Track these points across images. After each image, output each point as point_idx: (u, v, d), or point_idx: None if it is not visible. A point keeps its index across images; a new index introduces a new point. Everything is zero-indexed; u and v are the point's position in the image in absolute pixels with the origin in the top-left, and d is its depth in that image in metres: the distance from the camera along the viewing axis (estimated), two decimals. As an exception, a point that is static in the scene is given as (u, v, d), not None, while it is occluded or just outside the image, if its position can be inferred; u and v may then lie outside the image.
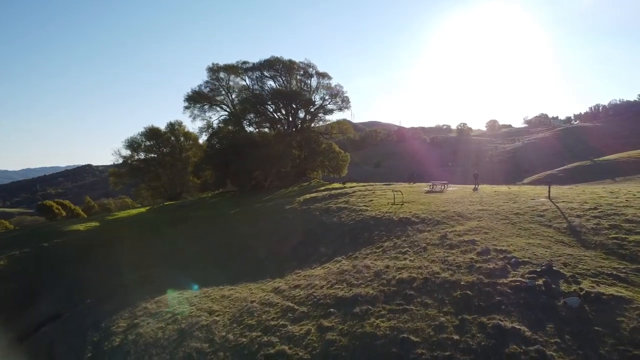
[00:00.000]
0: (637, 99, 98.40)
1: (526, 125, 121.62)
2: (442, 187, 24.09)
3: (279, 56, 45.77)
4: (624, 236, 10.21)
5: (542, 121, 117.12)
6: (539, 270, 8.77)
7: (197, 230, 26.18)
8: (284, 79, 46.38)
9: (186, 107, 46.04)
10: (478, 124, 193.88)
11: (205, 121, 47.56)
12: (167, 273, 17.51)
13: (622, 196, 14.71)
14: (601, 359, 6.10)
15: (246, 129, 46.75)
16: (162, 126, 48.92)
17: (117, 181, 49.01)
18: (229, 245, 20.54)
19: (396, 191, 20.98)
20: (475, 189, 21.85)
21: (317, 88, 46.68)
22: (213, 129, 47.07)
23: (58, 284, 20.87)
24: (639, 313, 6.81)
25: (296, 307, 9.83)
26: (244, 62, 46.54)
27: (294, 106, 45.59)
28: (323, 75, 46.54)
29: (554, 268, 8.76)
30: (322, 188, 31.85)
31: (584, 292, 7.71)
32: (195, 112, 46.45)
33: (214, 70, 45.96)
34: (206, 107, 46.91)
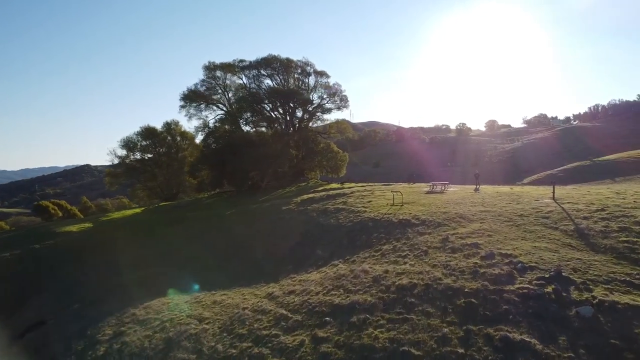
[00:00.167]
0: (636, 99, 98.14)
1: (525, 125, 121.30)
2: (443, 188, 23.56)
3: (276, 54, 45.12)
4: (635, 239, 9.68)
5: (542, 121, 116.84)
6: (547, 276, 8.25)
7: (193, 231, 25.63)
8: (281, 77, 45.58)
9: (182, 106, 45.27)
10: (477, 124, 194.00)
11: (201, 120, 46.84)
12: (162, 275, 17.00)
13: (629, 197, 14.20)
14: (620, 376, 5.59)
15: (243, 128, 46.04)
16: (159, 125, 48.25)
17: (112, 181, 48.22)
18: (225, 246, 20.14)
19: (395, 192, 20.45)
20: (476, 190, 21.36)
21: (315, 87, 45.89)
22: (209, 128, 46.31)
23: (47, 288, 20.29)
24: (659, 325, 6.29)
25: (290, 315, 9.30)
26: (241, 61, 45.83)
27: (292, 105, 44.87)
28: (321, 74, 45.76)
29: (563, 274, 8.24)
30: (320, 188, 31.31)
31: (597, 300, 7.19)
32: (192, 111, 45.72)
33: (210, 68, 45.17)
34: (202, 106, 46.16)
